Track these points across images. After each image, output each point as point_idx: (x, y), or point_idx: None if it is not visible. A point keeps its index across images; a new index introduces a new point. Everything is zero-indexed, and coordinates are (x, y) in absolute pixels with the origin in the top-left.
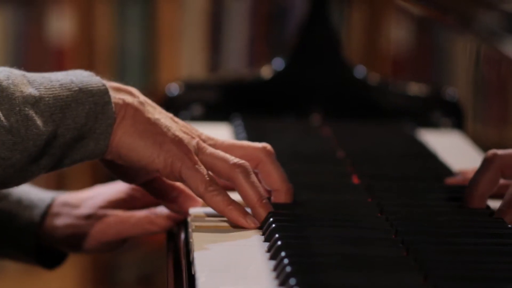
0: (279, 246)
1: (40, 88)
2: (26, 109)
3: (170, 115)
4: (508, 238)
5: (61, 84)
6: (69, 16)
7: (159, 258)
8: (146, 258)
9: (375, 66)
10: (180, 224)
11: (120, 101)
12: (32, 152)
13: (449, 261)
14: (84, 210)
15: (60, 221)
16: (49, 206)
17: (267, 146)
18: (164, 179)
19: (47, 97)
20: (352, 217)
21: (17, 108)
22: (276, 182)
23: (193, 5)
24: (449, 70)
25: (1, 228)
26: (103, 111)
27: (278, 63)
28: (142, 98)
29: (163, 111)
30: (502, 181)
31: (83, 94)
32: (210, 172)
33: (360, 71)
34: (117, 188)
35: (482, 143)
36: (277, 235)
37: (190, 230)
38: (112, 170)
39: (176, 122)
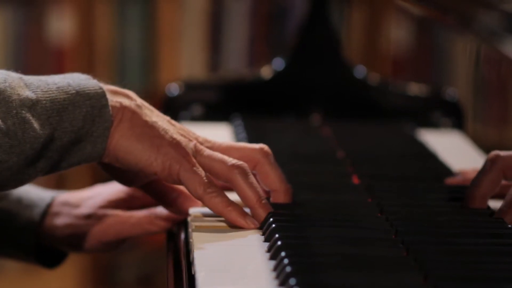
0: (279, 246)
1: (37, 91)
2: (23, 112)
3: (167, 118)
4: (508, 238)
5: (58, 87)
6: (69, 16)
7: (159, 258)
8: (146, 258)
9: (375, 66)
10: (180, 224)
11: (117, 104)
12: (29, 155)
13: (449, 261)
14: (84, 209)
15: (60, 221)
16: (49, 206)
17: (265, 147)
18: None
19: (44, 100)
20: (352, 217)
21: (14, 111)
22: (274, 183)
23: (193, 5)
24: (449, 70)
25: (1, 227)
26: (100, 114)
27: (278, 63)
28: (139, 101)
29: (160, 114)
30: (503, 182)
31: (80, 97)
32: (208, 174)
33: (360, 71)
34: (117, 188)
35: (482, 143)
36: (277, 235)
37: (190, 230)
38: (110, 173)
39: (173, 125)
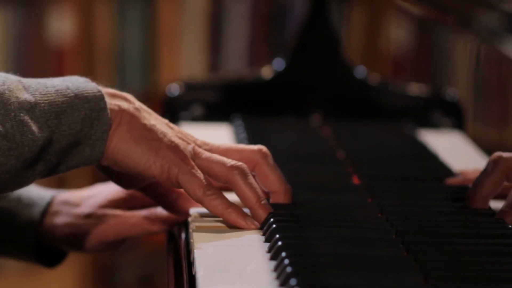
0: (280, 246)
1: (35, 94)
2: (22, 114)
3: (166, 121)
4: (508, 239)
5: (56, 90)
6: (69, 16)
7: (159, 258)
8: (146, 258)
9: (375, 66)
10: (180, 224)
11: (116, 107)
12: (27, 158)
13: (449, 262)
14: (84, 209)
15: (59, 220)
16: (49, 205)
17: (263, 148)
18: None
19: (43, 103)
20: (353, 218)
21: (12, 114)
22: (273, 184)
23: (193, 5)
24: (449, 70)
25: (1, 226)
26: (98, 117)
27: (279, 63)
28: (138, 104)
29: (159, 117)
30: (505, 183)
31: (78, 100)
32: (207, 177)
33: (360, 71)
34: (117, 188)
35: (482, 143)
36: (277, 236)
37: (190, 230)
38: (108, 176)
39: (171, 128)
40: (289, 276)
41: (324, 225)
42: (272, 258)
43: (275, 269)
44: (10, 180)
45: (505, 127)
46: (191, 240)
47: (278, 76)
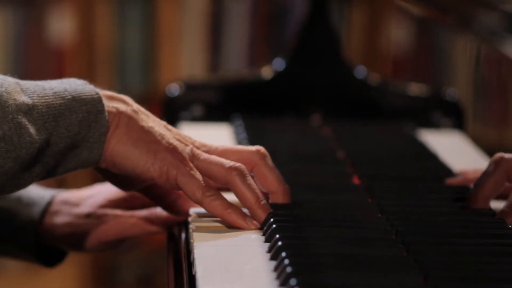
0: (280, 246)
1: (33, 96)
2: (19, 117)
3: (164, 123)
4: (508, 239)
5: (54, 93)
6: (69, 16)
7: (159, 258)
8: (146, 258)
9: (375, 66)
10: (180, 225)
11: (114, 110)
12: (25, 160)
13: (449, 262)
14: (84, 208)
15: (59, 219)
16: (49, 204)
17: (261, 149)
18: None
19: (40, 105)
20: (353, 218)
21: (10, 116)
22: (272, 184)
23: (193, 5)
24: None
25: (1, 225)
26: (96, 119)
27: (279, 64)
28: (136, 106)
29: (157, 119)
30: (506, 183)
31: (76, 103)
32: (206, 178)
33: (360, 71)
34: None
35: (482, 143)
36: (277, 236)
37: (190, 230)
38: (107, 178)
39: (169, 130)
40: (289, 276)
41: (324, 225)
42: (272, 258)
43: (275, 269)
44: (7, 182)
45: (505, 127)
46: (191, 240)
47: (278, 76)
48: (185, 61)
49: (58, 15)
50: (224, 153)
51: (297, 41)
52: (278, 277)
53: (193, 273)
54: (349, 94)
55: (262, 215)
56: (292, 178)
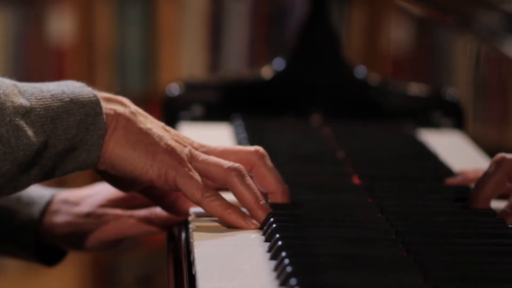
0: (280, 246)
1: (31, 99)
2: (17, 119)
3: (162, 124)
4: (508, 239)
5: (52, 95)
6: (69, 16)
7: (159, 258)
8: (146, 258)
9: (375, 66)
10: (180, 224)
11: (112, 112)
12: (23, 162)
13: (449, 261)
14: (84, 208)
15: (59, 219)
16: (49, 203)
17: (260, 149)
18: None
19: (38, 107)
20: (353, 217)
21: (8, 119)
22: (271, 185)
23: (193, 5)
24: (449, 70)
25: (1, 225)
26: (94, 122)
27: (279, 63)
28: (134, 108)
29: (155, 120)
30: (508, 184)
31: (74, 105)
32: (205, 181)
33: (360, 71)
34: None
35: (482, 143)
36: (277, 235)
37: (190, 230)
38: (106, 180)
39: (167, 131)
40: (289, 276)
41: (324, 225)
42: (272, 257)
43: (275, 268)
44: (5, 184)
45: (505, 127)
46: (191, 240)
47: (278, 76)
48: (185, 61)
49: (58, 15)
50: (222, 153)
51: (297, 41)
52: (278, 277)
53: (193, 273)
54: (349, 94)
55: (261, 215)
56: (292, 178)
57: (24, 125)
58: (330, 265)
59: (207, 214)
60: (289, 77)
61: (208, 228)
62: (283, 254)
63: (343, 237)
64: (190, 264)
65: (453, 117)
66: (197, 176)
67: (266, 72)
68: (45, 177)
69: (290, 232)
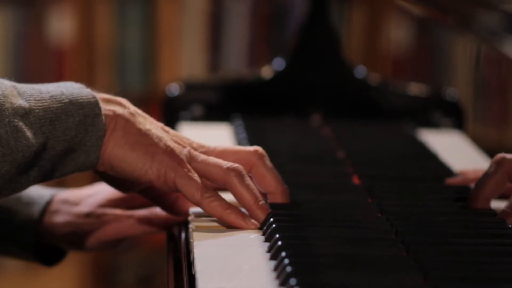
0: (280, 246)
1: (30, 100)
2: (16, 120)
3: (161, 124)
4: (508, 239)
5: (51, 96)
6: (69, 16)
7: (159, 258)
8: (146, 258)
9: (375, 66)
10: (180, 224)
11: (110, 113)
12: (21, 164)
13: (449, 261)
14: (84, 208)
15: (59, 218)
16: (49, 203)
17: (259, 149)
18: None
19: (37, 109)
20: (353, 217)
21: (7, 120)
22: (270, 185)
23: (193, 5)
24: (449, 70)
25: (1, 225)
26: (93, 123)
27: (278, 63)
28: (133, 108)
29: (154, 121)
30: (508, 184)
31: (73, 106)
32: (204, 181)
33: (360, 71)
34: None
35: (482, 143)
36: (277, 235)
37: (190, 230)
38: (106, 180)
39: (167, 132)
40: (289, 276)
41: (324, 225)
42: (272, 257)
43: (275, 268)
44: (4, 185)
45: (505, 127)
46: (191, 240)
47: (278, 76)
48: (185, 61)
49: (58, 15)
50: (222, 153)
51: (297, 41)
52: (277, 277)
53: (193, 273)
54: (349, 94)
55: (261, 216)
56: (292, 178)
57: (23, 126)
58: (330, 265)
59: (207, 214)
60: (289, 77)
61: (208, 228)
62: (283, 254)
63: (343, 237)
64: (190, 264)
65: (453, 117)
66: (196, 177)
67: (266, 72)
68: (44, 179)
69: (290, 232)
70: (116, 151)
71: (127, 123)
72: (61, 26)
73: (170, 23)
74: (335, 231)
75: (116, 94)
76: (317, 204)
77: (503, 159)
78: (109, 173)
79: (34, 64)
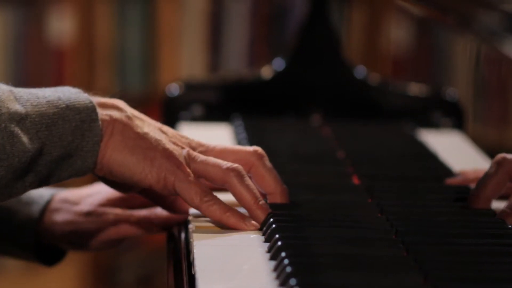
0: (280, 246)
1: (26, 105)
2: (12, 125)
3: (159, 125)
4: (508, 239)
5: (48, 101)
6: (69, 16)
7: (159, 258)
8: (146, 258)
9: (375, 66)
10: (180, 225)
11: (107, 117)
12: (18, 169)
13: (449, 262)
14: (84, 207)
15: (59, 218)
16: (49, 202)
17: (259, 149)
18: None
19: (34, 114)
20: (352, 218)
21: (3, 125)
22: (270, 185)
23: (193, 5)
24: (449, 70)
25: (0, 224)
26: (90, 128)
27: (278, 63)
28: (129, 111)
29: (152, 123)
30: (508, 184)
31: (69, 111)
32: (204, 181)
33: (360, 71)
34: None
35: (482, 143)
36: (277, 236)
37: (190, 230)
38: (105, 182)
39: (165, 133)
40: (289, 276)
41: (324, 225)
42: (272, 258)
43: (275, 269)
44: (0, 191)
45: (505, 127)
46: (191, 240)
47: (278, 76)
48: (185, 61)
49: (58, 15)
50: (221, 153)
51: (297, 41)
52: (277, 277)
53: (193, 273)
54: (349, 94)
55: (261, 216)
56: (292, 178)
57: (19, 131)
58: (330, 265)
59: None
60: (289, 77)
61: (208, 228)
62: (283, 254)
63: (343, 237)
64: (190, 264)
65: (453, 117)
66: (195, 180)
67: (266, 72)
68: (40, 184)
69: (289, 232)
70: (115, 156)
71: (124, 128)
72: (61, 26)
73: (170, 23)
74: (335, 231)
75: (116, 94)
76: (317, 204)
77: (504, 159)
78: (108, 178)
79: (34, 64)
